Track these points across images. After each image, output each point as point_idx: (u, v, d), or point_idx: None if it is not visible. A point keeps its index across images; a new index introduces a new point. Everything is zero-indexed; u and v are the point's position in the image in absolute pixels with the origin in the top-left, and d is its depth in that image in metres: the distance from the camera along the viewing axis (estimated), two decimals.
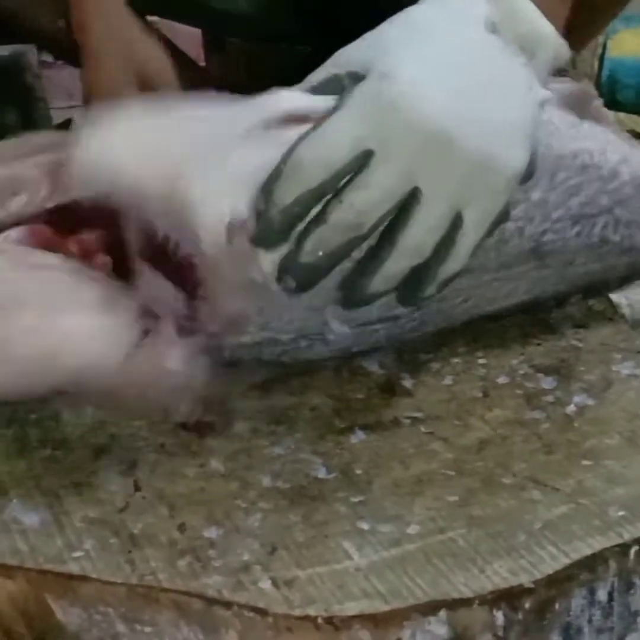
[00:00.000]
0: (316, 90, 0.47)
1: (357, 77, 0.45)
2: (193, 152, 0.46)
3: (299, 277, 0.44)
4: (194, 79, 0.66)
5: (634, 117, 1.30)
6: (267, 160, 0.44)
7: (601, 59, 1.09)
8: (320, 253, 0.44)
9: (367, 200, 0.43)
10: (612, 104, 1.45)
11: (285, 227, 0.44)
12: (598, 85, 1.09)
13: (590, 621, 0.42)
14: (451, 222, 0.44)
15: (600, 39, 1.08)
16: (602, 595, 0.42)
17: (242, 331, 0.49)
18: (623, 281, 0.57)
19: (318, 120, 0.44)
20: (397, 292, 0.46)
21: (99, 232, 0.50)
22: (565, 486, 0.45)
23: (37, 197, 0.50)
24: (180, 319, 0.47)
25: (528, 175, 0.46)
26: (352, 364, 0.54)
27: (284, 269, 0.44)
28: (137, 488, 0.45)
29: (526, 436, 0.48)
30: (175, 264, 0.47)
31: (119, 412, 0.49)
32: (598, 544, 0.41)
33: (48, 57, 1.45)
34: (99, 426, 0.49)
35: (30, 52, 1.33)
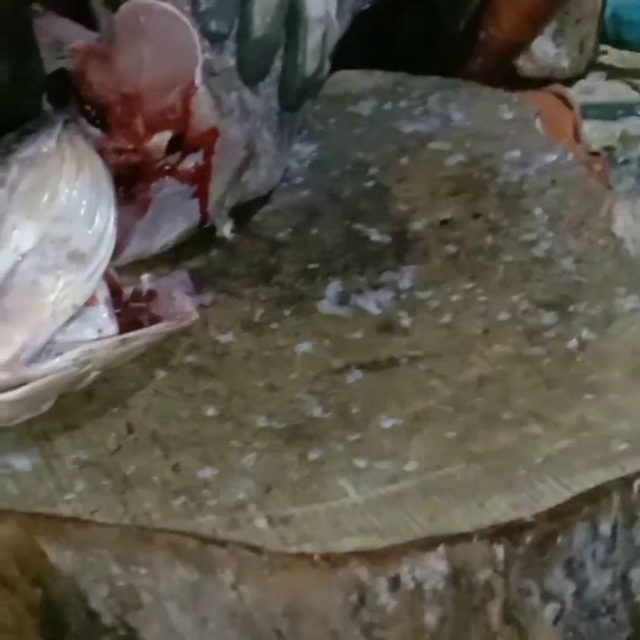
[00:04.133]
0: None
1: None
2: None
3: (257, 55, 0.50)
4: None
5: (639, 55, 1.28)
6: None
7: None
8: (267, 20, 0.49)
9: None
10: (617, 42, 1.42)
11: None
12: (602, 24, 1.06)
13: (593, 555, 0.41)
14: None
15: None
16: (605, 529, 0.41)
17: None
18: None
19: None
20: None
21: None
22: (566, 421, 0.44)
23: None
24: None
25: None
26: (349, 304, 0.53)
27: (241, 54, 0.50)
28: (130, 430, 0.45)
29: (527, 372, 0.47)
30: None
31: None
32: (600, 477, 0.41)
33: (38, 7, 1.43)
34: None
35: (21, 1, 1.31)
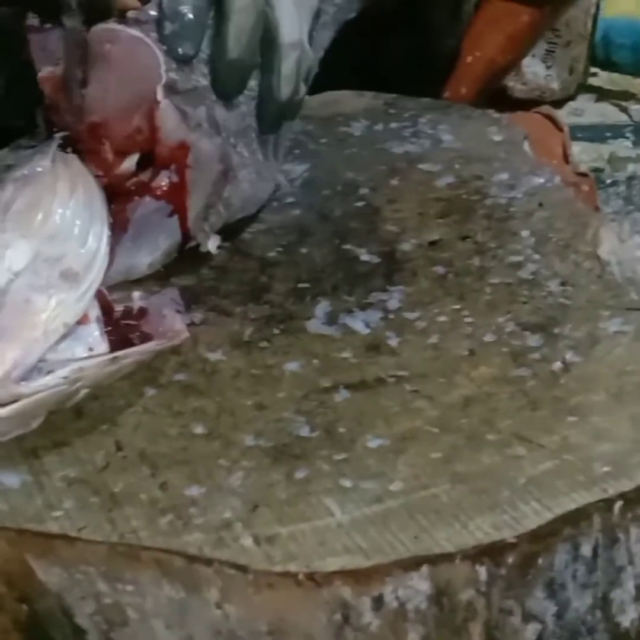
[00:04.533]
0: None
1: None
2: None
3: (231, 75, 0.51)
4: None
5: (628, 77, 1.29)
6: None
7: (595, 19, 1.07)
8: (242, 43, 0.50)
9: None
10: (607, 64, 1.44)
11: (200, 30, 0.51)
12: (592, 46, 1.07)
13: (574, 577, 0.42)
14: None
15: None
16: (586, 550, 0.41)
17: None
18: None
19: None
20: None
21: None
22: (550, 442, 0.44)
23: None
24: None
25: None
26: (338, 323, 0.54)
27: (215, 73, 0.51)
28: (119, 448, 0.45)
29: (512, 393, 0.48)
30: None
31: None
32: (582, 499, 0.41)
33: (34, 22, 1.43)
34: None
35: (16, 15, 1.31)
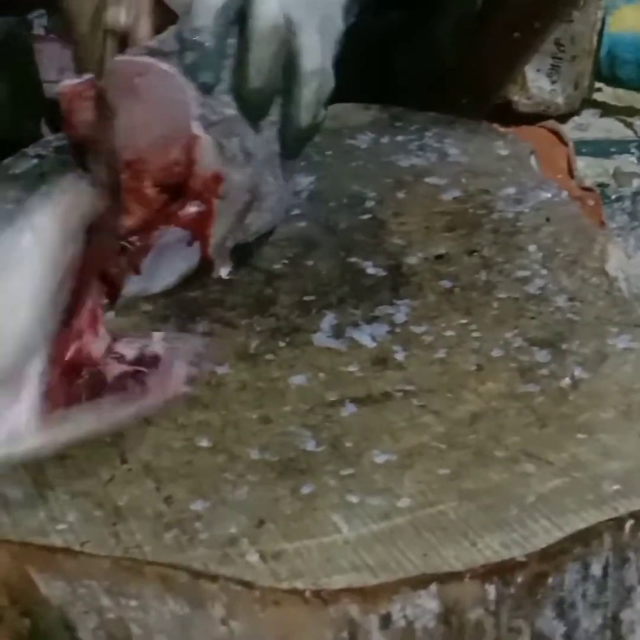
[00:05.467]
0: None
1: None
2: None
3: (253, 103, 0.51)
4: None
5: (633, 93, 1.29)
6: None
7: (600, 34, 1.07)
8: (263, 71, 0.50)
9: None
10: (612, 80, 1.44)
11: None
12: (597, 61, 1.07)
13: (584, 596, 0.41)
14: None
15: (600, 13, 1.06)
16: (596, 569, 0.41)
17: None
18: None
19: None
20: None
21: None
22: (558, 460, 0.44)
23: None
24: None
25: None
26: (344, 337, 0.53)
27: (238, 102, 0.51)
28: (123, 460, 0.45)
29: (520, 409, 0.47)
30: None
31: None
32: (592, 518, 0.41)
33: (40, 30, 1.43)
34: None
35: (22, 25, 1.31)
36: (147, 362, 0.46)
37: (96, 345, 0.46)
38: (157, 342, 0.47)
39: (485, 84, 0.91)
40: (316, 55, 0.52)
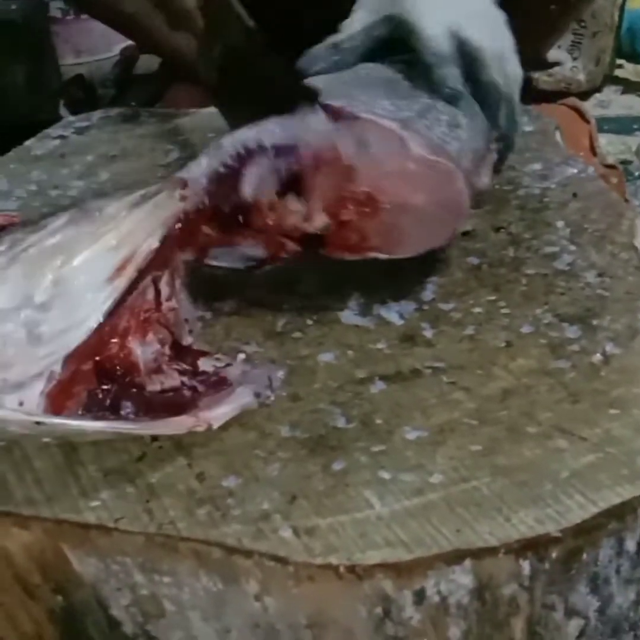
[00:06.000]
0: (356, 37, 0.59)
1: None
2: None
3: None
4: None
5: None
6: None
7: (621, 10, 1.06)
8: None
9: None
10: (632, 56, 1.42)
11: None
12: (618, 37, 1.06)
13: (618, 571, 0.41)
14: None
15: None
16: (630, 545, 0.41)
17: None
18: None
19: None
20: None
21: None
22: (592, 435, 0.44)
23: None
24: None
25: None
26: (372, 314, 0.53)
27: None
28: (154, 438, 0.45)
29: (551, 385, 0.47)
30: None
31: None
32: (627, 493, 0.40)
33: (57, 13, 1.42)
34: None
35: (39, 8, 1.31)
36: (211, 382, 0.45)
37: (142, 350, 0.45)
38: (238, 364, 0.47)
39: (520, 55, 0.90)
40: (515, 65, 0.58)
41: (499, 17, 0.60)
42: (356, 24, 0.59)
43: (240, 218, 0.51)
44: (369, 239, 0.51)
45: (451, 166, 0.51)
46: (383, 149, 0.50)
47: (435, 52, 0.56)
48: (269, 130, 0.50)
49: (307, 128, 0.50)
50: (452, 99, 0.55)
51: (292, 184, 0.50)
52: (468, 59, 0.56)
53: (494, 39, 0.58)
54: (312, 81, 0.55)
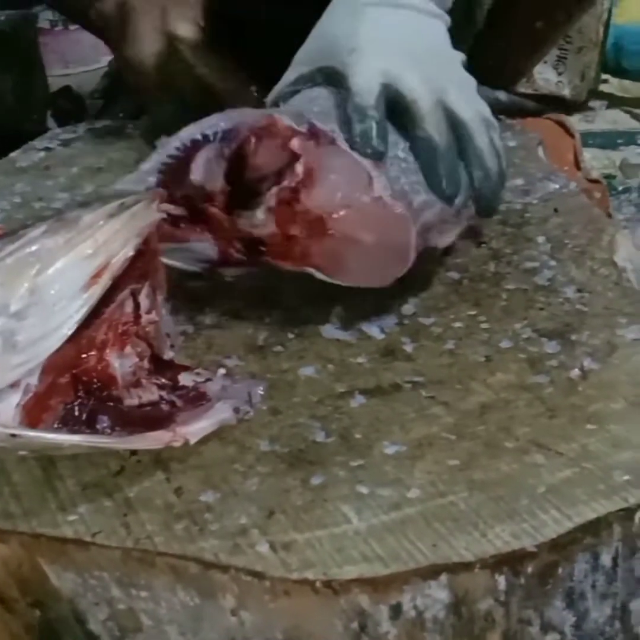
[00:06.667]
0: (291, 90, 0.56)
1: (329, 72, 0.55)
2: None
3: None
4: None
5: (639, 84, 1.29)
6: None
7: (606, 25, 1.07)
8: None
9: None
10: (618, 71, 1.44)
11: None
12: (603, 52, 1.07)
13: (593, 586, 0.41)
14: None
15: (606, 4, 1.06)
16: (606, 560, 0.41)
17: None
18: None
19: None
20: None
21: None
22: (569, 450, 0.44)
23: None
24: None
25: None
26: (353, 328, 0.53)
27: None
28: (133, 452, 0.45)
29: (529, 400, 0.47)
30: None
31: None
32: (602, 508, 0.41)
33: (45, 24, 1.43)
34: None
35: (28, 18, 1.31)
36: (189, 397, 0.45)
37: (120, 363, 0.45)
38: (218, 379, 0.47)
39: (505, 73, 0.91)
40: (468, 106, 0.55)
41: (456, 59, 0.58)
42: (291, 76, 0.57)
43: (192, 208, 0.52)
44: (311, 256, 0.51)
45: (405, 214, 0.50)
46: (347, 179, 0.50)
47: (356, 106, 0.52)
48: (212, 123, 0.52)
49: (246, 113, 0.52)
50: (371, 157, 0.51)
51: (238, 163, 0.51)
52: (401, 112, 0.53)
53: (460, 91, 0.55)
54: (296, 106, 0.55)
